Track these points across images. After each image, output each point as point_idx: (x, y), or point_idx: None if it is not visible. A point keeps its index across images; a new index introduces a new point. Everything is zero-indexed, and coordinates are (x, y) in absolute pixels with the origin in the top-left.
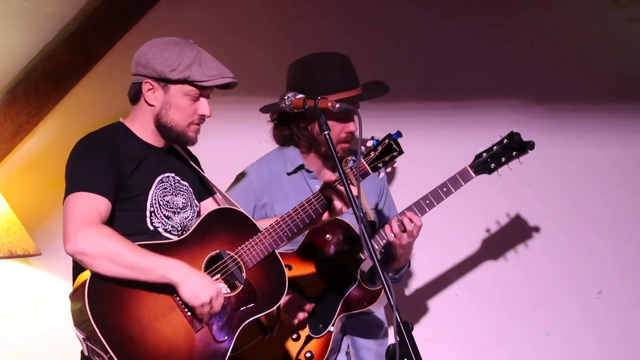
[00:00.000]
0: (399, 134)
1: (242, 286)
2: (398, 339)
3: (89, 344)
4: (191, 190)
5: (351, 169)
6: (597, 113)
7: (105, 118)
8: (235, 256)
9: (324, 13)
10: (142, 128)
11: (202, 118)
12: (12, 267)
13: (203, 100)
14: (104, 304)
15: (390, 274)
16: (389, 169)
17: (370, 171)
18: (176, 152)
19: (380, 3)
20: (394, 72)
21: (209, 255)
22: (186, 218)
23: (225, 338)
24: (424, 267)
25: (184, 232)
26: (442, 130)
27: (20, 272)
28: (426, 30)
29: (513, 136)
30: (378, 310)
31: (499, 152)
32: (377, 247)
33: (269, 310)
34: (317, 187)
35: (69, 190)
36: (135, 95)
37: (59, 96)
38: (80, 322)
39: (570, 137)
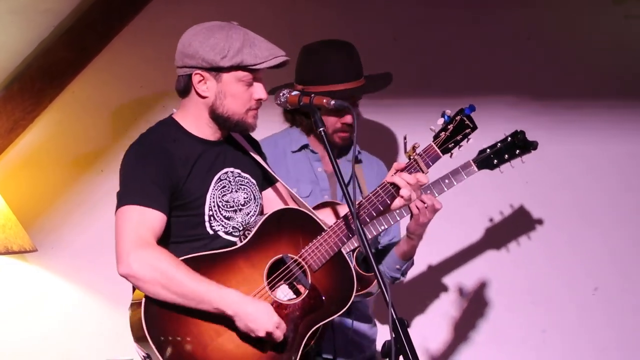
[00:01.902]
0: (472, 108)
1: (307, 291)
2: (393, 336)
3: None
4: (253, 181)
5: (420, 154)
6: (594, 109)
7: (101, 114)
8: (299, 259)
9: (320, 8)
10: (196, 122)
11: (259, 102)
12: (7, 264)
13: (257, 84)
14: (161, 321)
15: (397, 266)
16: (462, 148)
17: (440, 154)
18: (234, 143)
19: None
20: (390, 69)
21: (271, 261)
22: (248, 214)
23: (292, 348)
24: (419, 263)
25: (247, 231)
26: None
27: (16, 269)
28: (422, 26)
29: (517, 135)
30: (374, 292)
31: (502, 150)
32: (375, 233)
33: (336, 315)
34: (320, 169)
35: (120, 202)
36: (184, 89)
37: (55, 92)
38: (138, 339)
39: (567, 134)
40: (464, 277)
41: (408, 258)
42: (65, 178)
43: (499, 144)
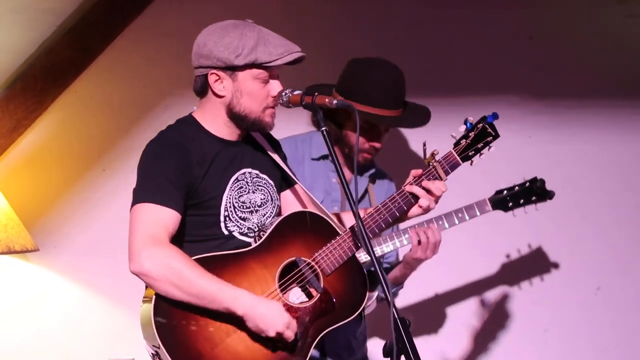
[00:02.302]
0: (495, 116)
1: (319, 295)
2: (395, 335)
3: (158, 359)
4: (271, 183)
5: (439, 161)
6: (595, 109)
7: (104, 114)
8: (312, 263)
9: (322, 7)
10: (214, 122)
11: (276, 100)
12: (9, 263)
13: (273, 81)
14: (171, 320)
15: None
16: (482, 156)
17: (460, 162)
18: (254, 142)
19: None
20: None
21: (284, 263)
22: (264, 215)
23: (301, 351)
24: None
25: (262, 232)
26: (440, 127)
27: (18, 268)
28: (424, 25)
29: (536, 182)
30: (372, 308)
31: (519, 194)
32: (380, 253)
33: (347, 320)
34: (334, 180)
35: (135, 200)
36: (202, 89)
37: (58, 92)
38: (148, 337)
39: (569, 134)
40: (465, 276)
41: (399, 283)
42: (67, 177)
43: (517, 188)
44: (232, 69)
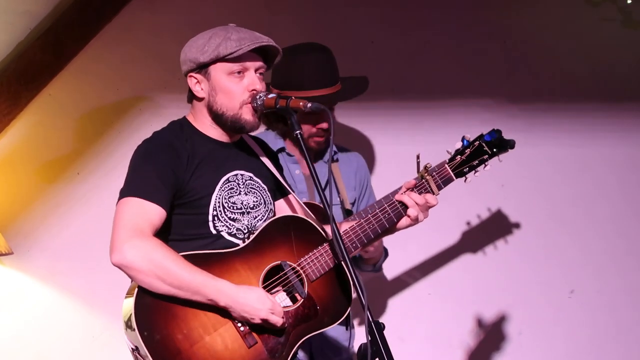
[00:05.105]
0: (492, 135)
1: (302, 300)
2: (369, 339)
3: (137, 354)
4: (265, 187)
5: (432, 175)
6: (569, 112)
7: (78, 117)
8: (297, 268)
9: (296, 12)
10: (203, 124)
11: (254, 94)
12: None
13: (248, 74)
14: (152, 314)
15: (369, 269)
16: (477, 174)
17: (454, 177)
18: (248, 148)
19: (354, 2)
20: (367, 72)
21: (269, 266)
22: (256, 217)
23: (280, 355)
24: (396, 265)
25: (251, 235)
26: (415, 130)
27: None
28: (399, 29)
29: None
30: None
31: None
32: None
33: (329, 327)
34: (297, 172)
35: (122, 194)
36: (189, 95)
37: (32, 95)
38: (128, 332)
39: (543, 137)
40: (441, 279)
41: (376, 262)
42: (41, 181)
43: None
44: (202, 67)
